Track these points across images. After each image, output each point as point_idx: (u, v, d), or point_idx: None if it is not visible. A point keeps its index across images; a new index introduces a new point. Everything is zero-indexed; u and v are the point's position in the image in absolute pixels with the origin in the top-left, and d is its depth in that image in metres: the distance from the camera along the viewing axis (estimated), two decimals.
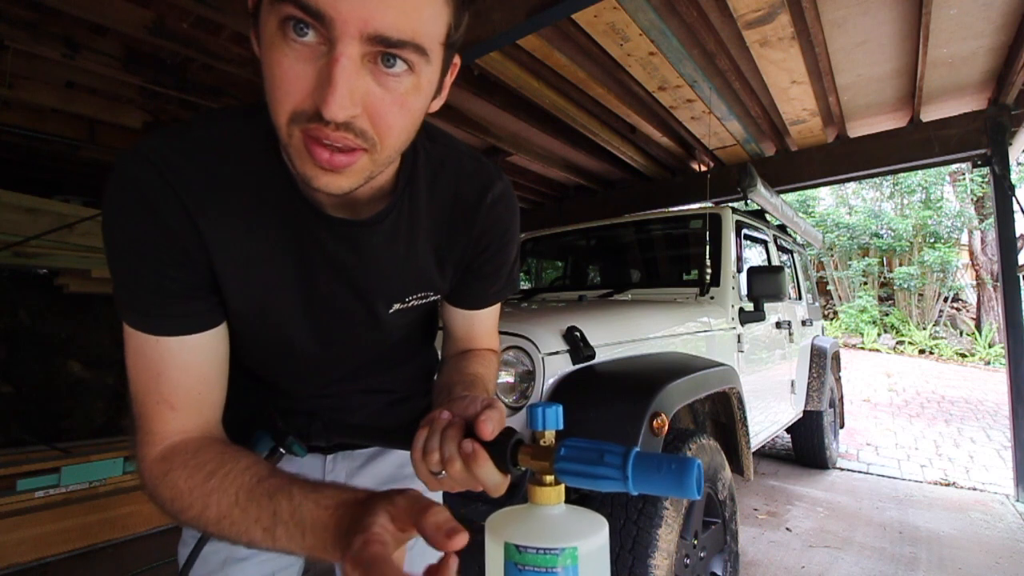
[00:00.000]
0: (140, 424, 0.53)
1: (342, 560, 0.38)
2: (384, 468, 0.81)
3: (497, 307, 0.79)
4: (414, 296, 0.67)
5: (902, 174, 10.80)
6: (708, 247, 2.56)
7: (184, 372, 0.54)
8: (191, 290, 0.54)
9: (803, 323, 3.56)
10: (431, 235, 0.64)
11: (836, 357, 4.15)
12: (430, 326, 0.84)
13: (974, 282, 10.67)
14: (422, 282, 0.66)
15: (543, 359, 1.46)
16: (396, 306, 0.67)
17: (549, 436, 0.44)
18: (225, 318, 0.58)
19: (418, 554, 0.83)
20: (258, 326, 0.61)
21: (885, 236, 11.54)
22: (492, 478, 0.45)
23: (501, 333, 1.52)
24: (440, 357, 0.82)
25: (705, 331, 2.20)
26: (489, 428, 0.45)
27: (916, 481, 3.75)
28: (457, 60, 0.52)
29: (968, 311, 10.84)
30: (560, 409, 0.44)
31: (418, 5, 0.41)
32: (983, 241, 10.39)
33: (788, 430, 3.78)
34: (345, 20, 0.38)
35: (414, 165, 0.60)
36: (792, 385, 3.27)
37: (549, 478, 0.43)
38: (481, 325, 0.77)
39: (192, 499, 0.49)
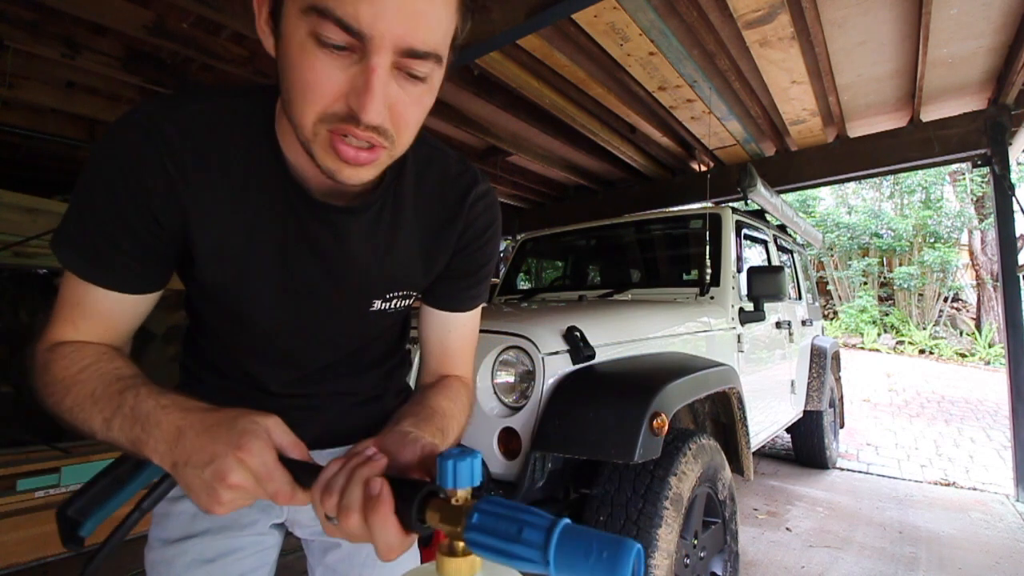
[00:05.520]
0: (45, 327, 0.56)
1: (166, 462, 0.45)
2: None
3: (474, 324, 0.76)
4: (396, 294, 0.67)
5: (902, 174, 10.81)
6: (708, 247, 2.56)
7: (99, 317, 0.56)
8: (144, 253, 0.55)
9: (803, 323, 3.56)
10: (417, 232, 0.66)
11: (836, 357, 4.15)
12: (405, 330, 0.84)
13: (974, 282, 10.67)
14: (404, 279, 0.67)
15: (543, 359, 1.46)
16: (377, 303, 0.67)
17: (463, 494, 0.35)
18: (160, 288, 0.60)
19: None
20: (228, 301, 0.62)
21: (885, 236, 11.53)
22: (387, 536, 0.36)
23: (501, 333, 1.55)
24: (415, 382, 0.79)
25: (705, 331, 2.20)
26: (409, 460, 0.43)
27: (916, 481, 3.75)
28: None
29: (968, 311, 10.84)
30: (479, 460, 0.36)
31: (440, 19, 0.45)
32: (983, 241, 10.39)
33: (788, 430, 3.78)
34: (382, 36, 0.42)
35: (402, 163, 0.61)
36: (792, 385, 3.27)
37: (461, 545, 0.35)
38: (457, 339, 0.74)
39: (60, 387, 0.51)
